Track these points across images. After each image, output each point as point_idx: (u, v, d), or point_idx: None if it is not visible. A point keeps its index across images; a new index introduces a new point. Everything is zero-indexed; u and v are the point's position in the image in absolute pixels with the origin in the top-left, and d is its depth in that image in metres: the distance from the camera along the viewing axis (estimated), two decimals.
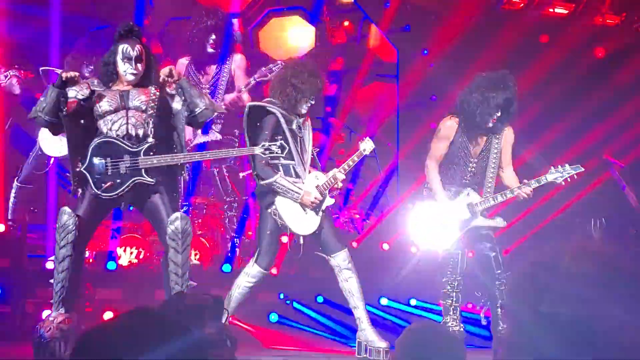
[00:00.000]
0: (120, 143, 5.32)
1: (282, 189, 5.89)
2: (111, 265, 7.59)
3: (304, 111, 6.06)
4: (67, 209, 5.25)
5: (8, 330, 6.81)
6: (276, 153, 5.53)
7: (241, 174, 7.03)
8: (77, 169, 5.31)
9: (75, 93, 5.32)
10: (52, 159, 7.91)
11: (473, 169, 6.19)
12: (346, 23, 10.46)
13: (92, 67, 8.14)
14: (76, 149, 5.34)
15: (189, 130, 7.09)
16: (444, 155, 6.20)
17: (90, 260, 7.43)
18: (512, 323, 1.91)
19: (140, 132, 5.35)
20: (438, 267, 6.32)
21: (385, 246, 9.04)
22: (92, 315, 6.86)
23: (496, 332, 6.05)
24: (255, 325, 7.46)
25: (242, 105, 7.98)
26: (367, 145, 6.13)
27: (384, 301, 8.37)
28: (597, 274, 1.74)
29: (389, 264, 8.62)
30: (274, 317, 7.87)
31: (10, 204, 8.14)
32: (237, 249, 8.29)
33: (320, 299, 8.12)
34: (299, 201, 5.92)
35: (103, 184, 5.30)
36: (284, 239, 6.37)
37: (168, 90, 5.56)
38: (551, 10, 10.83)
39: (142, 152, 5.31)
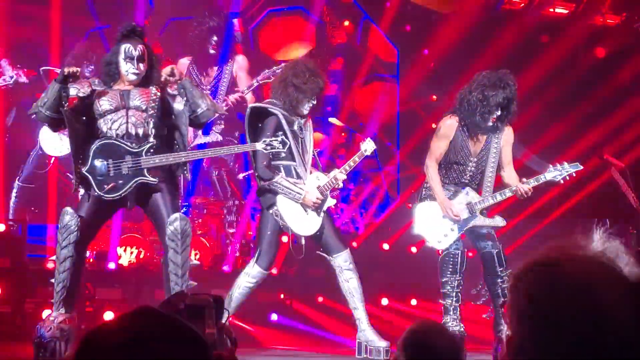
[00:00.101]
0: (120, 144, 5.31)
1: (284, 189, 5.89)
2: (111, 265, 7.60)
3: (305, 112, 6.05)
4: (69, 209, 5.25)
5: (8, 330, 6.81)
6: (277, 148, 5.52)
7: (240, 175, 7.03)
8: (79, 171, 5.31)
9: (76, 91, 5.32)
10: (53, 159, 7.92)
11: (473, 168, 6.18)
12: (346, 23, 10.46)
13: (92, 67, 8.15)
14: (78, 145, 5.33)
15: (189, 131, 7.09)
16: (444, 155, 6.19)
17: (91, 260, 7.44)
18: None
19: (141, 131, 5.35)
20: (438, 267, 6.31)
21: (385, 246, 9.05)
22: (92, 315, 6.87)
23: (497, 331, 6.02)
24: (255, 325, 7.46)
25: (246, 105, 7.99)
26: (368, 146, 6.12)
27: (384, 301, 8.38)
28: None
29: (389, 264, 8.62)
30: (274, 317, 7.87)
31: (12, 204, 8.16)
32: (237, 251, 8.30)
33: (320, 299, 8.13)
34: (301, 202, 5.93)
35: (106, 186, 5.29)
36: (284, 239, 6.37)
37: (170, 90, 5.56)
38: (551, 10, 10.85)
39: (143, 152, 5.31)
